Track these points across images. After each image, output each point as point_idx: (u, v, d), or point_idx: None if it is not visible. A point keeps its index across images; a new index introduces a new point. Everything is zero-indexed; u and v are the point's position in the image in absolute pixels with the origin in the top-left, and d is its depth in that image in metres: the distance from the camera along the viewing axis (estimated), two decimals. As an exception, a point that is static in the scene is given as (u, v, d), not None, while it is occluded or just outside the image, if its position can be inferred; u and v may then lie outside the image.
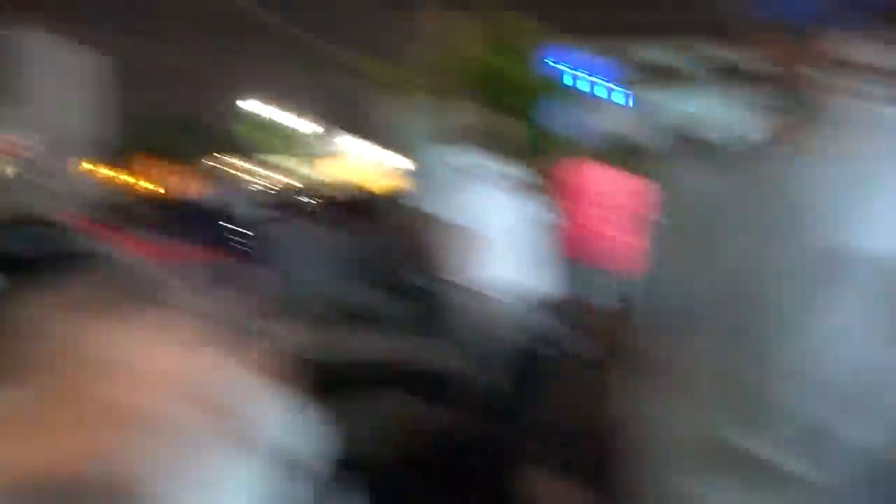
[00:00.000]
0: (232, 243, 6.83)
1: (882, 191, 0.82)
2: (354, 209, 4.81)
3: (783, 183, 0.87)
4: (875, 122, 0.86)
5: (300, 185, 13.91)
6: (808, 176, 0.86)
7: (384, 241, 3.64)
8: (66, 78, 34.00)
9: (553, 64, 14.25)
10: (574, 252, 3.36)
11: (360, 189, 7.78)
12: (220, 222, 7.05)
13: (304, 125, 33.05)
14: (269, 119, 33.33)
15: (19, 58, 32.07)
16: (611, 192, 3.52)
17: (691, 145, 1.01)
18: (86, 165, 33.83)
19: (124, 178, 37.87)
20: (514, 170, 3.31)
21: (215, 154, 32.45)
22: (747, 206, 0.89)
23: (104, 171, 36.55)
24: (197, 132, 37.51)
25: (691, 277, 0.95)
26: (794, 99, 0.90)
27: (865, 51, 0.85)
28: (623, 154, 4.18)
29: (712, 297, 0.92)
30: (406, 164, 9.50)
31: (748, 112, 0.97)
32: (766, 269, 0.86)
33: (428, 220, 2.98)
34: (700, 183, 0.95)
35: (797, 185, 0.86)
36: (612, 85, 16.36)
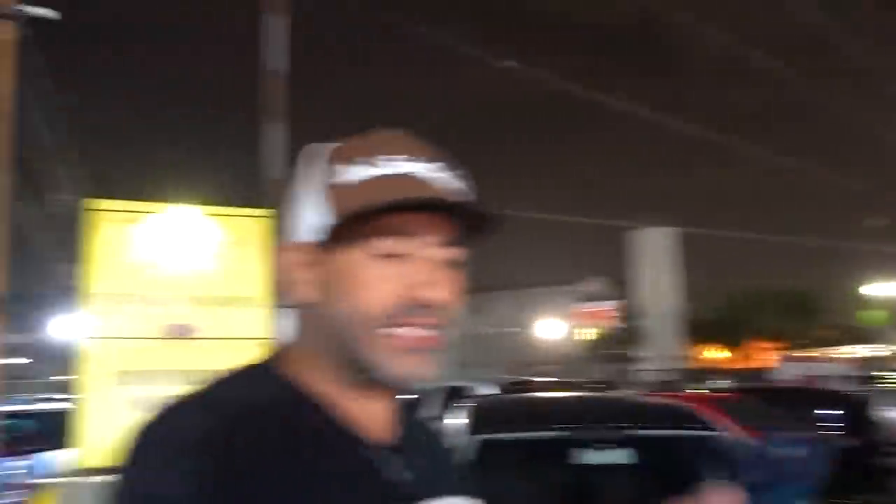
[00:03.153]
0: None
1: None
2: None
3: None
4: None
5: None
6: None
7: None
8: (660, 259, 37.30)
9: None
10: None
11: None
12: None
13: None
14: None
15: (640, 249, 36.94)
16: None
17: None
18: (678, 340, 35.37)
19: (717, 354, 38.33)
20: None
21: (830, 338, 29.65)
22: None
23: (699, 348, 37.72)
24: (812, 312, 35.82)
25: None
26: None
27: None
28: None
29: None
30: None
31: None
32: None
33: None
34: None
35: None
36: None
